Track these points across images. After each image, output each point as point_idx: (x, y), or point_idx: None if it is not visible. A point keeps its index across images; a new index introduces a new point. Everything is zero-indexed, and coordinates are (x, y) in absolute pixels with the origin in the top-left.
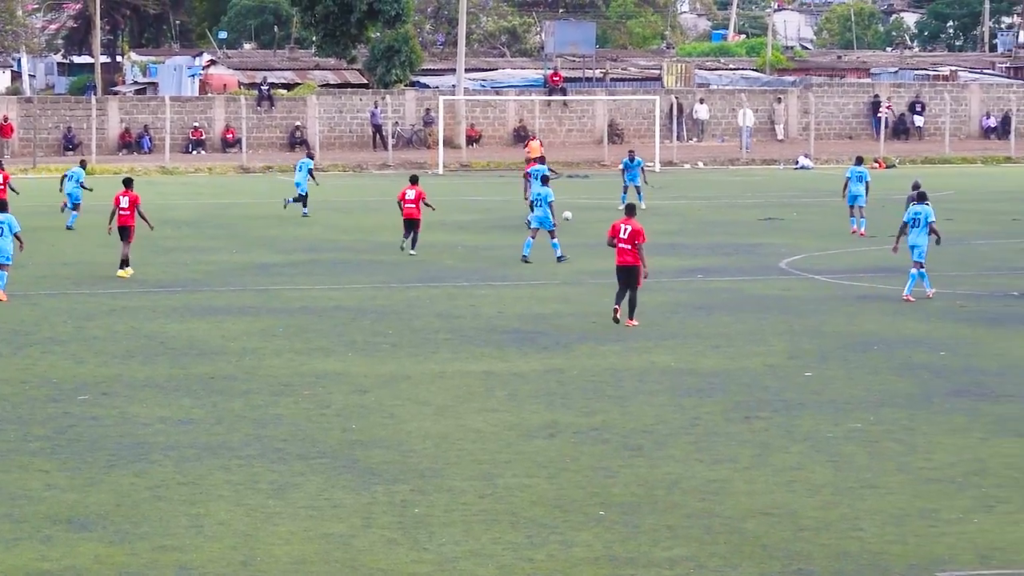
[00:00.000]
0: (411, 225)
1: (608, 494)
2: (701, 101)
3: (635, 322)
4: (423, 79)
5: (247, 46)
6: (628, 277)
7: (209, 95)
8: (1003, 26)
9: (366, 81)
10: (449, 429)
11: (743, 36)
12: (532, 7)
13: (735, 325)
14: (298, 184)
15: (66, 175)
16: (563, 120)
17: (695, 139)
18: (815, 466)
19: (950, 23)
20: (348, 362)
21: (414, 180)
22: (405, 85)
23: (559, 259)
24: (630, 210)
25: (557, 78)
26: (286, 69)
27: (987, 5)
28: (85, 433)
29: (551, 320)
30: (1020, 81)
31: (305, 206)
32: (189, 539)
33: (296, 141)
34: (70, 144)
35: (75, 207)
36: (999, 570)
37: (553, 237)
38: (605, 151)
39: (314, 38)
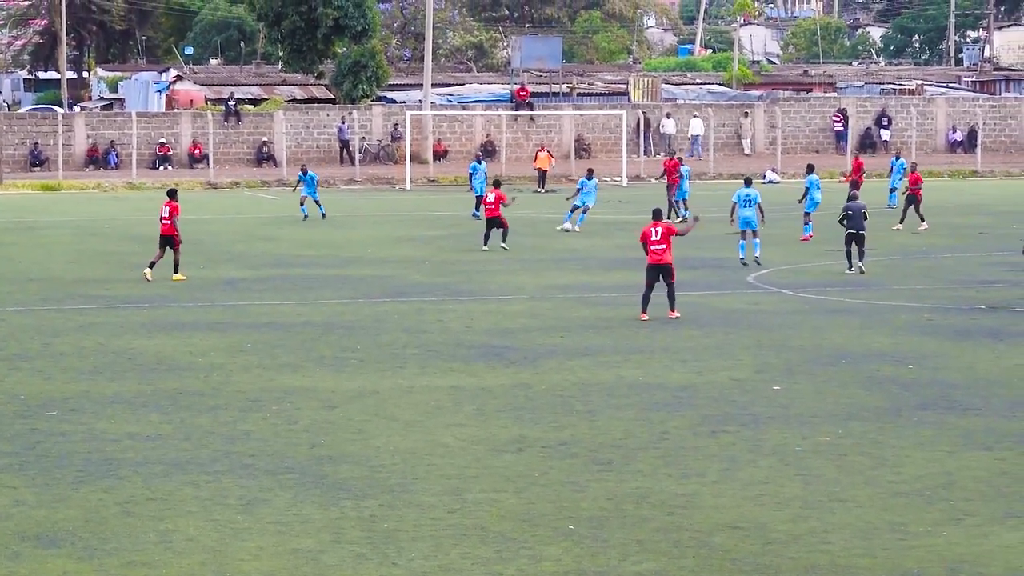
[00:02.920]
0: (493, 223)
1: (577, 508)
2: (668, 116)
3: (677, 313)
4: (390, 94)
5: (213, 62)
6: (661, 274)
7: (176, 111)
8: (968, 40)
9: (333, 96)
10: (417, 444)
11: (709, 51)
12: (498, 22)
13: (703, 339)
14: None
15: None
16: (530, 135)
17: (662, 153)
18: (783, 480)
19: (916, 37)
20: (316, 378)
21: (496, 184)
22: (372, 100)
23: (756, 260)
24: (656, 214)
25: (524, 93)
26: (253, 84)
27: (952, 19)
28: (53, 449)
29: (519, 335)
30: (986, 95)
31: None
32: (158, 555)
33: (263, 157)
34: (37, 160)
35: None
36: None
37: (756, 236)
38: (572, 166)
39: (281, 53)
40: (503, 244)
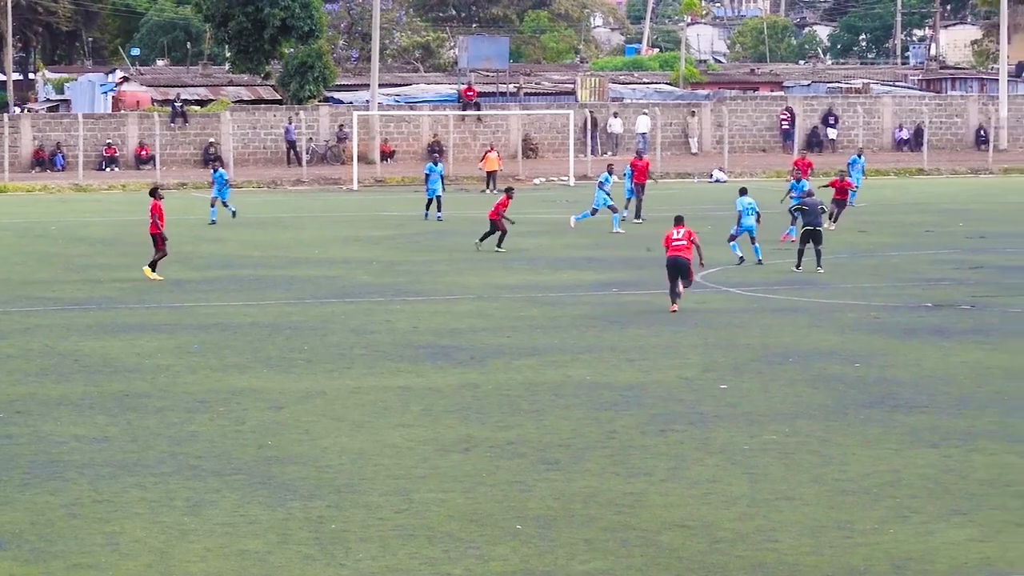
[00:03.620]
0: (493, 226)
1: (524, 508)
2: (615, 115)
3: (675, 307)
4: (337, 95)
5: (160, 63)
6: (679, 270)
7: (122, 112)
8: (915, 39)
9: (280, 97)
10: (365, 444)
11: (656, 50)
12: (446, 22)
13: (650, 338)
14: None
15: None
16: (477, 135)
17: (609, 153)
18: (731, 478)
19: (863, 36)
20: (263, 378)
21: (508, 192)
22: (319, 101)
23: (759, 262)
24: (678, 220)
25: (471, 93)
26: (199, 85)
27: (899, 18)
28: None
29: (466, 335)
30: (932, 93)
31: None
32: (104, 557)
33: (210, 158)
34: None
35: None
36: None
37: (755, 242)
38: (520, 165)
39: (227, 54)
40: (498, 247)
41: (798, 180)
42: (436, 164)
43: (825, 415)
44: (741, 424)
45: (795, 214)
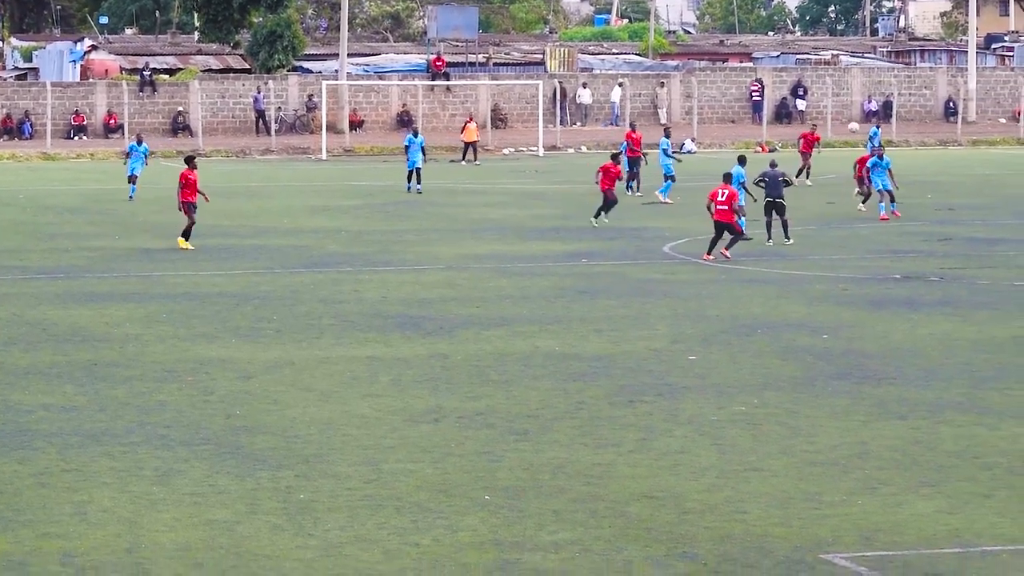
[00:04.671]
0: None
1: (493, 478)
2: (584, 86)
3: (727, 254)
4: (306, 64)
5: (128, 31)
6: (724, 229)
7: (91, 80)
8: (884, 10)
9: (248, 66)
10: (334, 415)
11: (626, 21)
12: None
13: (619, 309)
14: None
15: None
16: (446, 105)
17: (579, 123)
18: (699, 449)
19: (831, 7)
20: (232, 348)
21: (614, 158)
22: (288, 70)
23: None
24: (727, 178)
25: (440, 63)
26: (168, 54)
27: None
28: None
29: (435, 305)
30: (901, 65)
31: None
32: (73, 526)
33: (179, 127)
34: None
35: None
36: (882, 551)
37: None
38: (489, 136)
39: (196, 23)
40: (603, 218)
41: (881, 157)
42: (415, 135)
43: (793, 387)
44: (710, 395)
45: (759, 185)
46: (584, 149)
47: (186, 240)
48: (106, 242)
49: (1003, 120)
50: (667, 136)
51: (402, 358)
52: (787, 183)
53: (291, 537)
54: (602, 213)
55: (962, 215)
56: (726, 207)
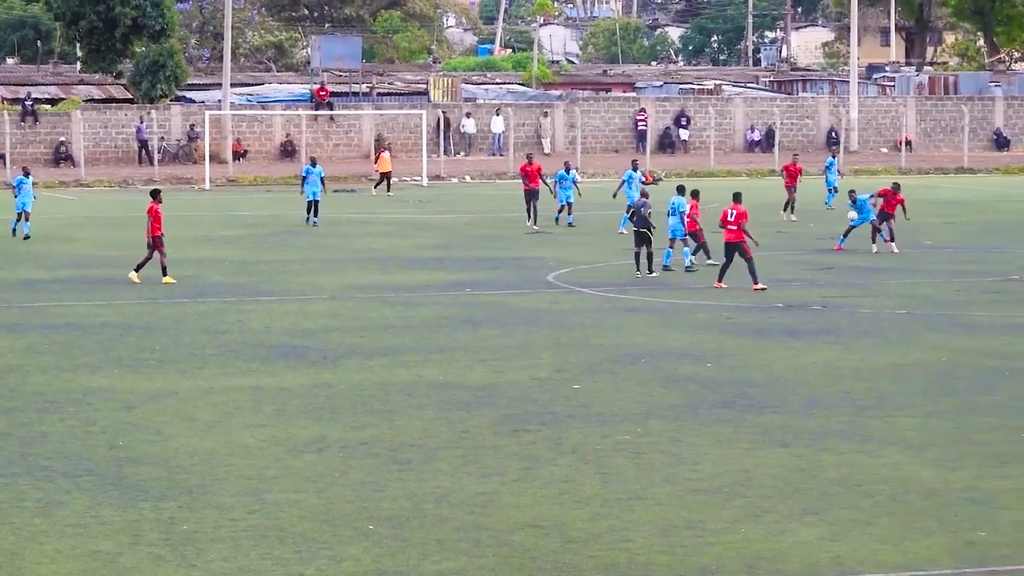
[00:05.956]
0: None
1: (377, 508)
2: (468, 115)
3: (761, 286)
4: (189, 94)
5: (10, 61)
6: (735, 251)
7: None
8: (766, 41)
9: (131, 96)
10: (217, 445)
11: (509, 50)
12: (298, 22)
13: (503, 339)
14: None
15: None
16: (330, 135)
17: (463, 153)
18: (583, 478)
19: (714, 38)
20: (115, 378)
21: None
22: (171, 100)
23: (687, 268)
24: (736, 197)
25: (324, 93)
26: (50, 84)
27: (750, 20)
28: None
29: (319, 335)
30: (783, 95)
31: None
32: None
33: (61, 157)
34: None
35: None
36: None
37: (686, 245)
38: (372, 166)
39: (79, 53)
40: (704, 258)
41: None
42: (314, 165)
43: (677, 415)
44: (593, 424)
45: (632, 219)
46: (468, 179)
47: (165, 275)
48: None
49: (885, 149)
50: (634, 168)
51: (286, 388)
52: (649, 213)
53: (174, 568)
54: (701, 253)
55: (845, 244)
56: (735, 227)
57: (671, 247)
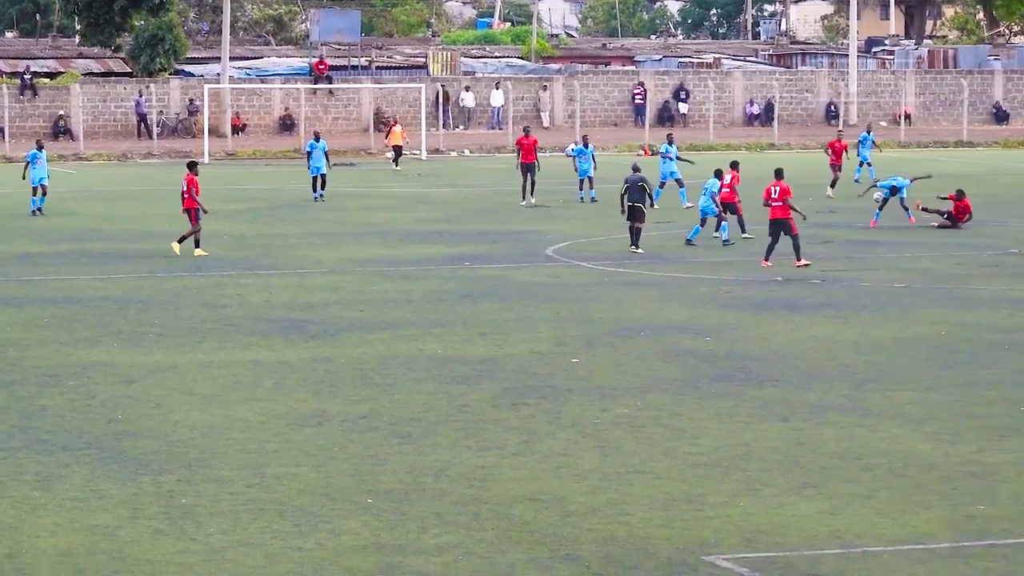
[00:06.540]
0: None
1: (376, 482)
2: (467, 89)
3: (804, 261)
4: (188, 67)
5: (8, 35)
6: (780, 228)
7: None
8: (766, 14)
9: (130, 70)
10: (216, 419)
11: (508, 24)
12: None
13: (502, 312)
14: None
15: None
16: (329, 108)
17: (462, 127)
18: (582, 452)
19: (713, 11)
20: (114, 352)
21: (779, 174)
22: (170, 73)
23: (725, 242)
24: (778, 173)
25: (322, 66)
26: (49, 58)
27: None
28: None
29: (319, 308)
30: (783, 68)
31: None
32: None
33: (60, 130)
34: None
35: None
36: (764, 553)
37: (724, 220)
38: (371, 139)
39: (77, 26)
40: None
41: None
42: (317, 140)
43: (676, 389)
44: (593, 398)
45: (623, 197)
46: (467, 152)
47: (198, 247)
48: None
49: (884, 123)
50: (670, 142)
51: (285, 362)
52: (646, 191)
53: (173, 541)
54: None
55: (844, 217)
56: (779, 203)
57: (701, 224)
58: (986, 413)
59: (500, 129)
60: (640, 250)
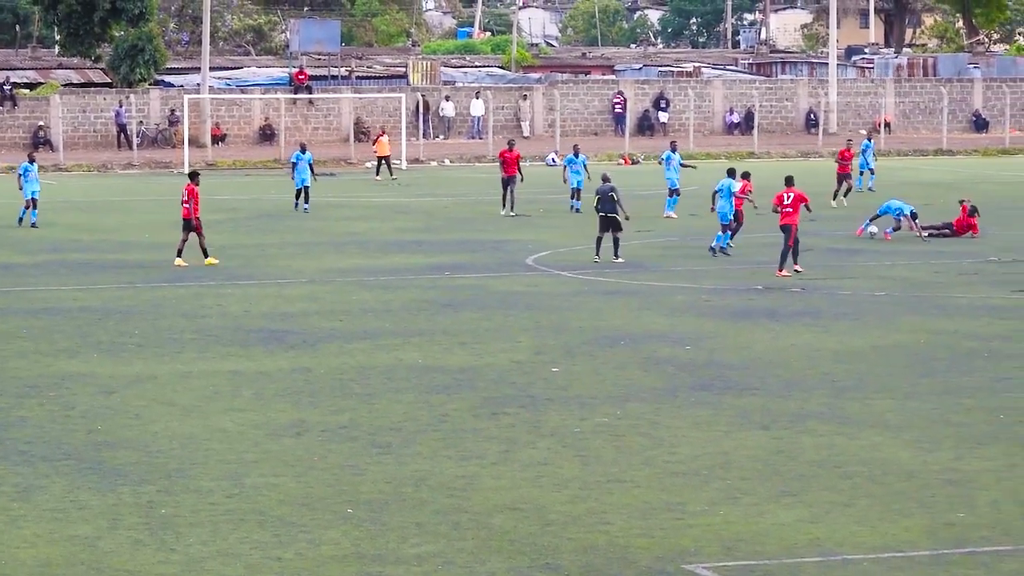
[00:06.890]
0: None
1: (356, 492)
2: (447, 99)
3: (785, 272)
4: (168, 78)
5: None
6: (790, 233)
7: None
8: (745, 23)
9: (110, 80)
10: (196, 429)
11: (488, 33)
12: (277, 5)
13: (482, 322)
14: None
15: None
16: (309, 118)
17: (442, 136)
18: (562, 461)
19: (693, 20)
20: (93, 363)
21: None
22: (150, 84)
23: (723, 249)
24: (789, 181)
25: (302, 76)
26: (28, 68)
27: (729, 2)
28: None
29: (298, 319)
30: (763, 77)
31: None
32: None
33: (40, 141)
34: None
35: None
36: (744, 561)
37: (728, 229)
38: (352, 149)
39: (57, 37)
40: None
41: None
42: (303, 152)
43: (655, 397)
44: (572, 407)
45: (597, 208)
46: (447, 162)
47: (206, 256)
48: None
49: (863, 131)
50: (673, 150)
51: (265, 372)
52: (616, 200)
53: (153, 552)
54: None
55: (823, 226)
56: (791, 209)
57: (723, 230)
58: (965, 421)
59: (480, 139)
60: (620, 259)
